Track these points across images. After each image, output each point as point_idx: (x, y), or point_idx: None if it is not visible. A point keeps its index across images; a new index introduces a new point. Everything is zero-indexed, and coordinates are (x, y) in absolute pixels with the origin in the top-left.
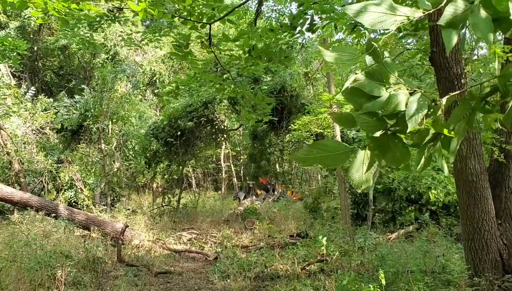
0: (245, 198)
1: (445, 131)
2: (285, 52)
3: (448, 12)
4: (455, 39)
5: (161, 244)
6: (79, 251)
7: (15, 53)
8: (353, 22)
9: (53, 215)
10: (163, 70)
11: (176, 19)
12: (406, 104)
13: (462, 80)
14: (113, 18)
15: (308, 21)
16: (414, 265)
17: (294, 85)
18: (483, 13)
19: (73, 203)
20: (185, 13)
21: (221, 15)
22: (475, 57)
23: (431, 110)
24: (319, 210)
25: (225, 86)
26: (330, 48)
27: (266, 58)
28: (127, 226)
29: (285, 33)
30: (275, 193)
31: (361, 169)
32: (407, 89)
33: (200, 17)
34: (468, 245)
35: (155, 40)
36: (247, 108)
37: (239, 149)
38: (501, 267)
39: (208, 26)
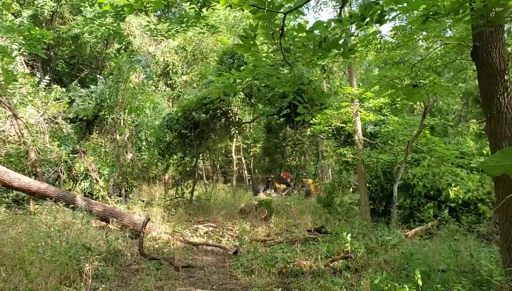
0: (264, 191)
1: None
2: (348, 45)
3: None
4: None
5: (177, 236)
6: (99, 243)
7: (41, 43)
8: (425, 14)
9: (71, 205)
10: (176, 61)
11: (204, 9)
12: None
13: (505, 76)
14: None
15: (378, 12)
16: (443, 264)
17: (313, 78)
18: None
19: (88, 194)
20: (257, 2)
21: (293, 5)
22: None
23: None
24: (333, 205)
25: (282, 80)
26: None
27: (332, 51)
28: (148, 219)
29: (353, 25)
30: (296, 186)
31: None
32: None
33: (271, 6)
34: (506, 246)
35: (181, 31)
36: (305, 103)
37: (249, 142)
38: None
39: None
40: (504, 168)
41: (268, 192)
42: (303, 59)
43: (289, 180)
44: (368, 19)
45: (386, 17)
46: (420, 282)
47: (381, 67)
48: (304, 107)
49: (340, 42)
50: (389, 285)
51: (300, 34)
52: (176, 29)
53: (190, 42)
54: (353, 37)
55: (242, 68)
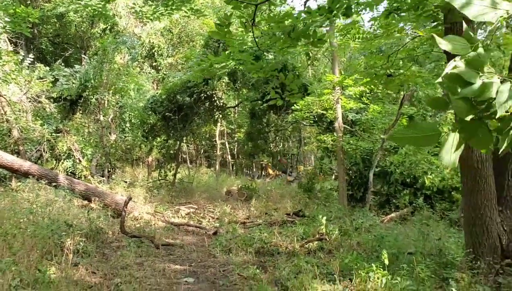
0: (258, 177)
1: None
2: (317, 35)
3: None
4: None
5: (159, 217)
6: (81, 221)
7: (27, 22)
8: (388, 8)
9: (54, 184)
10: (161, 43)
11: None
12: (497, 92)
13: None
14: None
15: (345, 5)
16: (412, 247)
17: (297, 64)
18: None
19: (70, 173)
20: None
21: None
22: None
23: None
24: (313, 190)
25: (256, 66)
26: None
27: (301, 40)
28: (130, 199)
29: (321, 16)
30: (293, 173)
31: (451, 151)
32: (498, 78)
33: None
34: (469, 230)
35: (166, 14)
36: (277, 89)
37: (233, 127)
38: (500, 252)
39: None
40: (407, 140)
41: (259, 181)
42: (275, 47)
43: (284, 166)
44: (335, 11)
45: (352, 11)
46: (386, 262)
47: (366, 56)
48: (276, 92)
49: (310, 32)
50: (358, 264)
51: (272, 24)
52: (161, 11)
53: (176, 24)
54: (322, 28)
55: (227, 52)
